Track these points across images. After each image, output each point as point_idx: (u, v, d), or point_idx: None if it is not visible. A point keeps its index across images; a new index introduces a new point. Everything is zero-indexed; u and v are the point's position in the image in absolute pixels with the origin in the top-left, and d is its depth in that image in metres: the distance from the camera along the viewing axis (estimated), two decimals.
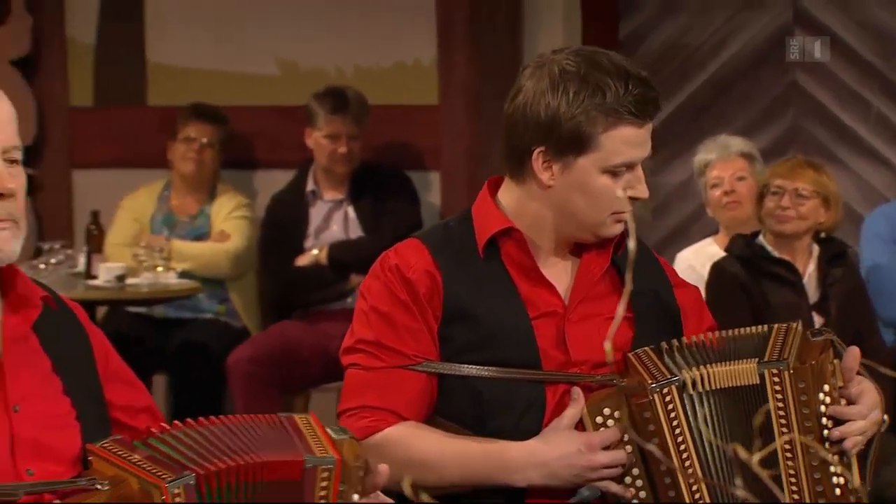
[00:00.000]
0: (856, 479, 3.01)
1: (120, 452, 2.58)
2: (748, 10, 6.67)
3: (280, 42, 6.98)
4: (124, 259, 6.48)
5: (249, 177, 7.08)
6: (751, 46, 6.69)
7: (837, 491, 2.99)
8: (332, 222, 6.56)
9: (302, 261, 6.44)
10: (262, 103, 6.98)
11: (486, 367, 3.01)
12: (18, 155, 2.62)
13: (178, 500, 2.49)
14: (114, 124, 7.27)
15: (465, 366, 3.02)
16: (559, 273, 3.09)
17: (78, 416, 2.65)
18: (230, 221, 6.73)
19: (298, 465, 2.58)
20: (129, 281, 6.26)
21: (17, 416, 2.59)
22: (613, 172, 2.97)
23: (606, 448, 2.96)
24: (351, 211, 6.55)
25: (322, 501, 2.60)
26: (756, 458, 1.59)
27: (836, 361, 3.00)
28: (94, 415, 2.68)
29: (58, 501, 2.55)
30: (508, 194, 3.08)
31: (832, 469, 2.99)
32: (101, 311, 6.72)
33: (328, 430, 2.67)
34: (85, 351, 2.75)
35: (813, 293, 5.19)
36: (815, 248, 5.22)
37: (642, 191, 3.01)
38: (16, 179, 2.60)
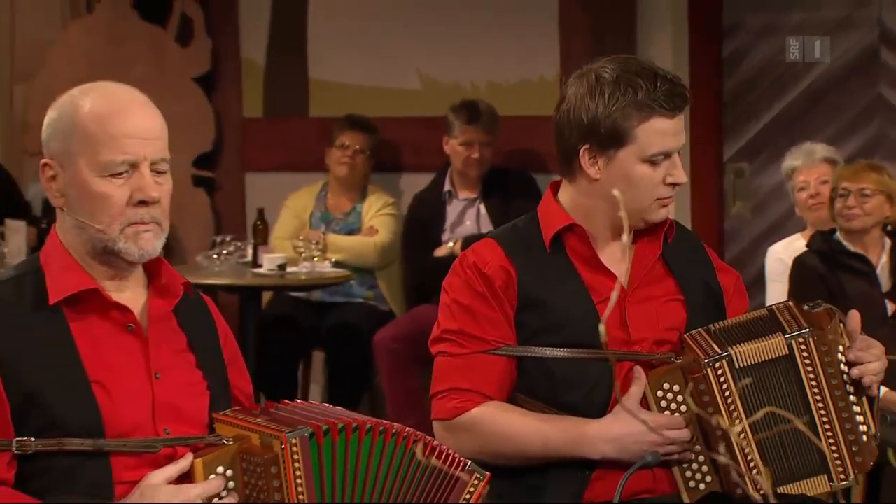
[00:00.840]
0: (872, 427, 3.03)
1: (242, 416, 2.65)
2: (838, 30, 6.59)
3: (422, 61, 7.02)
4: (286, 251, 6.54)
5: (395, 179, 7.13)
6: (840, 63, 6.61)
7: (864, 437, 3.02)
8: (466, 218, 6.62)
9: (439, 252, 6.49)
10: (406, 114, 7.02)
11: (557, 349, 3.01)
12: (166, 167, 2.65)
13: (294, 448, 2.53)
14: (280, 133, 7.35)
15: (539, 348, 3.03)
16: (617, 260, 3.09)
17: (208, 386, 2.70)
18: (378, 218, 6.79)
19: (462, 462, 2.68)
20: (290, 269, 6.31)
21: (158, 383, 2.63)
22: (651, 161, 2.98)
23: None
24: (482, 208, 6.59)
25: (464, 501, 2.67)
26: (731, 429, 1.65)
27: (842, 325, 3.02)
28: (220, 388, 2.73)
29: (190, 453, 2.60)
30: (566, 194, 3.09)
31: (859, 419, 3.02)
32: (267, 295, 6.84)
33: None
34: (213, 335, 2.78)
35: (886, 282, 5.14)
36: (887, 242, 5.21)
37: (679, 176, 3.01)
38: (161, 188, 2.63)
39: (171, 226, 7.88)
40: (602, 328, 2.57)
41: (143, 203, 2.60)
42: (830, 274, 5.16)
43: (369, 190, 6.94)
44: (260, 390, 6.43)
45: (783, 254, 5.71)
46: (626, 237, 2.09)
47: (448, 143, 6.63)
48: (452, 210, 6.66)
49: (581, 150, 3.01)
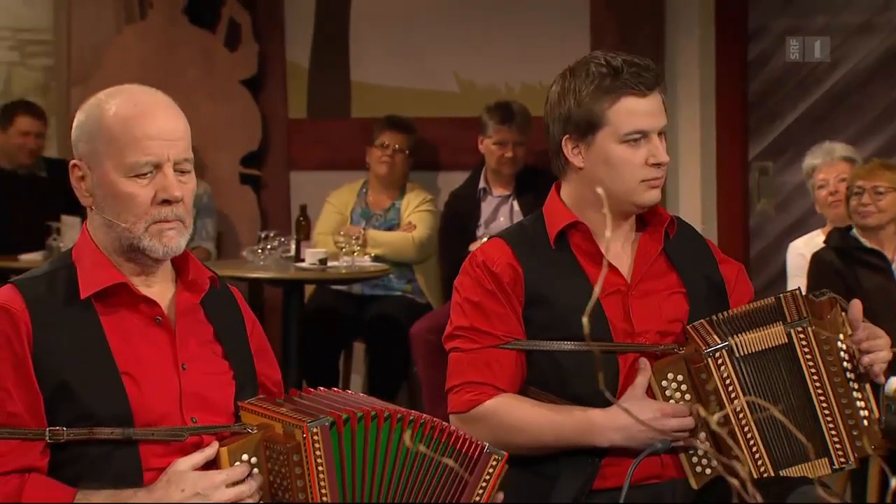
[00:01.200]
0: (875, 411, 3.01)
1: (266, 405, 2.63)
2: (860, 34, 6.58)
3: (459, 64, 7.03)
4: (328, 246, 6.54)
5: (433, 177, 7.14)
6: (862, 65, 6.59)
7: (865, 423, 3.00)
8: (500, 214, 6.61)
9: (474, 247, 6.18)
10: (444, 115, 7.03)
11: (564, 342, 2.99)
12: (189, 166, 2.63)
13: (315, 437, 2.52)
14: (323, 133, 7.38)
15: (547, 342, 3.01)
16: (620, 256, 3.08)
17: (234, 376, 2.69)
18: (416, 214, 6.80)
19: (480, 446, 2.66)
20: (331, 263, 6.31)
21: (185, 374, 2.62)
22: (628, 142, 2.98)
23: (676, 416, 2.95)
24: (515, 205, 6.59)
25: (484, 483, 2.66)
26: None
27: (843, 314, 2.99)
28: (247, 377, 2.72)
29: (216, 441, 2.59)
30: (565, 191, 3.10)
31: (859, 404, 2.99)
32: (309, 288, 6.86)
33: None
34: (240, 325, 2.77)
35: None
36: None
37: (660, 156, 3.00)
38: (184, 187, 2.61)
39: (220, 221, 7.87)
40: (585, 320, 2.56)
41: (166, 202, 2.59)
42: (847, 269, 5.13)
43: (408, 187, 6.94)
44: (302, 380, 6.48)
45: (804, 249, 5.68)
46: (608, 232, 2.09)
47: (483, 142, 6.63)
48: (487, 207, 6.66)
49: (564, 142, 3.04)
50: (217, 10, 7.50)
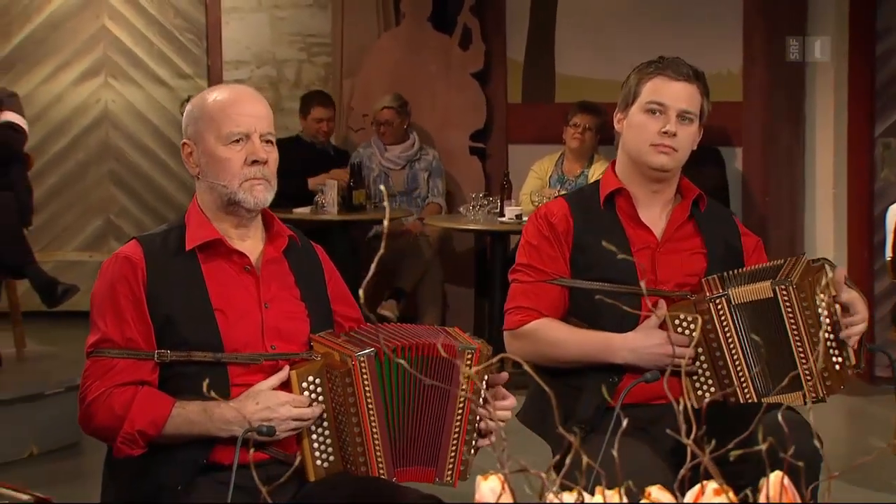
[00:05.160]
0: (852, 359, 2.97)
1: (331, 338, 2.68)
2: None
3: (639, 59, 6.87)
4: (527, 205, 6.63)
5: (615, 151, 7.27)
6: None
7: (837, 367, 2.96)
8: None
9: None
10: None
11: (601, 283, 3.01)
12: (272, 138, 2.68)
13: (363, 365, 2.58)
14: (533, 115, 7.47)
15: (587, 282, 3.04)
16: (656, 219, 3.10)
17: (308, 314, 2.72)
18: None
19: (453, 347, 2.63)
20: (526, 218, 6.43)
21: (267, 311, 2.66)
22: (649, 111, 3.01)
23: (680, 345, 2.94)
24: None
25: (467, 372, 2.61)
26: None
27: (829, 277, 2.95)
28: (320, 316, 2.74)
29: (287, 366, 2.63)
30: (617, 163, 3.16)
31: (832, 353, 2.96)
32: (516, 238, 7.00)
33: (469, 336, 2.68)
34: (319, 275, 2.81)
35: None
36: None
37: (669, 125, 3.00)
38: (269, 154, 2.65)
39: (452, 184, 8.11)
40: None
41: (255, 163, 2.64)
42: None
43: (595, 158, 6.97)
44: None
45: None
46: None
47: None
48: None
49: (615, 115, 3.11)
50: (454, 18, 7.66)
